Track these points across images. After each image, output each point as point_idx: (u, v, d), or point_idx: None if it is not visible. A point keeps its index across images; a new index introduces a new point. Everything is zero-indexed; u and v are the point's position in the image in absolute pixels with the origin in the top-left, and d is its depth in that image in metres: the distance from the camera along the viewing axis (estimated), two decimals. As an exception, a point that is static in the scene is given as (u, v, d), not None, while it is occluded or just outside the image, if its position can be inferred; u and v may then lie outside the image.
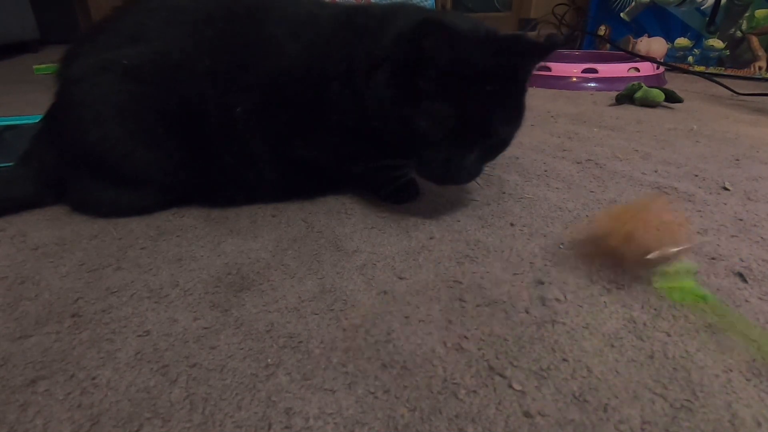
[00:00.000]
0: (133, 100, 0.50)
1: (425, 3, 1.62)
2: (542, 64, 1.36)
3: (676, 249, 0.39)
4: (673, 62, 1.60)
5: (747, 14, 1.48)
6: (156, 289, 0.41)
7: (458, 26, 0.44)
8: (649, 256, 0.39)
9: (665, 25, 1.69)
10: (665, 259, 0.40)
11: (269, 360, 0.33)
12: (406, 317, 0.37)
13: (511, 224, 0.53)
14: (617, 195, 0.60)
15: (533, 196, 0.60)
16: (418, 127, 0.46)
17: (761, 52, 1.48)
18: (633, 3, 1.77)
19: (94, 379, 0.31)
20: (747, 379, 0.31)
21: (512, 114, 0.49)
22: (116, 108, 0.50)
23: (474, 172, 0.50)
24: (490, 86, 0.45)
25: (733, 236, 0.50)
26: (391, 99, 0.47)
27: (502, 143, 0.51)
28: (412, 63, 0.45)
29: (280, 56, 0.52)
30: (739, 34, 1.51)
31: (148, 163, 0.52)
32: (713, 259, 0.46)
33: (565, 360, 0.33)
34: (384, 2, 0.55)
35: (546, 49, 0.47)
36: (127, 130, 0.51)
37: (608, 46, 1.83)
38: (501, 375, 0.32)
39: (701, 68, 1.58)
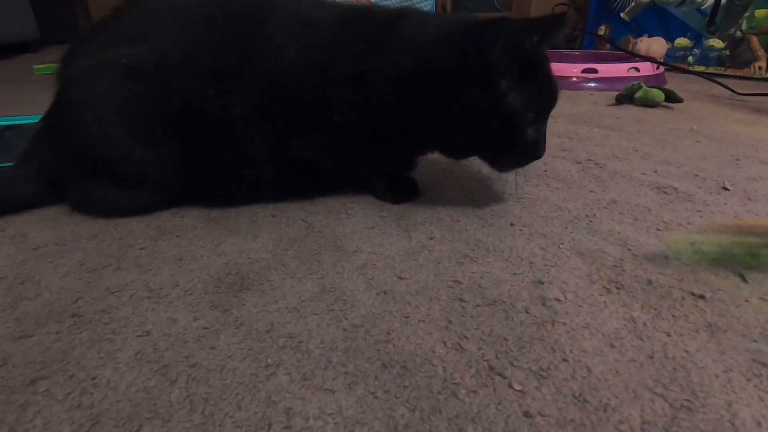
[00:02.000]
0: (133, 100, 0.50)
1: (425, 4, 1.62)
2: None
3: None
4: (673, 62, 1.61)
5: (747, 14, 1.48)
6: (156, 289, 0.41)
7: (504, 19, 0.49)
8: None
9: (665, 25, 1.69)
10: None
11: (269, 360, 0.33)
12: (406, 317, 0.37)
13: (511, 224, 0.53)
14: (617, 195, 0.60)
15: (533, 196, 0.60)
16: (514, 118, 0.49)
17: (761, 52, 1.48)
18: (633, 3, 1.77)
19: (94, 379, 0.31)
20: (747, 379, 0.31)
21: (555, 77, 0.53)
22: (116, 107, 0.50)
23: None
24: (544, 61, 0.50)
25: (733, 236, 0.50)
26: (478, 102, 0.49)
27: (554, 105, 0.55)
28: (497, 69, 0.48)
29: (280, 56, 0.52)
30: (739, 34, 1.51)
31: (147, 162, 0.52)
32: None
33: (565, 360, 0.33)
34: (381, 4, 0.55)
35: (559, 21, 0.49)
36: (127, 129, 0.51)
37: (608, 46, 1.83)
38: (501, 375, 0.32)
39: (701, 68, 1.58)
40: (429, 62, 0.49)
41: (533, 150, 0.52)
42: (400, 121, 0.52)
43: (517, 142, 0.51)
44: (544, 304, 0.39)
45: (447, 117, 0.50)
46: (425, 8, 1.62)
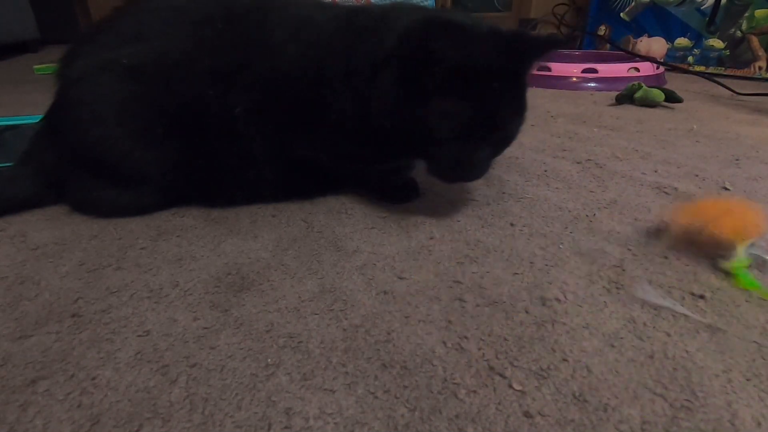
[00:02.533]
0: (132, 100, 0.51)
1: (425, 2, 1.62)
2: (542, 64, 1.36)
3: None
4: (673, 62, 1.61)
5: (747, 14, 1.48)
6: (156, 289, 0.41)
7: (463, 24, 0.45)
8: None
9: (665, 25, 1.69)
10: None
11: (269, 360, 0.33)
12: (406, 317, 0.37)
13: (511, 224, 0.53)
14: (617, 195, 0.60)
15: (533, 196, 0.60)
16: (428, 126, 0.46)
17: (761, 52, 1.48)
18: (633, 3, 1.77)
19: (94, 379, 0.31)
20: (747, 379, 0.31)
21: (518, 109, 0.49)
22: (115, 107, 0.50)
23: (484, 169, 0.50)
24: (496, 82, 0.45)
25: (733, 236, 0.50)
26: (400, 98, 0.47)
27: (509, 138, 0.51)
28: (419, 63, 0.45)
29: (279, 56, 0.52)
30: (739, 34, 1.51)
31: (146, 162, 0.52)
32: (713, 258, 0.45)
33: (565, 360, 0.33)
34: (383, 2, 0.54)
35: (548, 45, 0.47)
36: (126, 129, 0.51)
37: (608, 46, 1.83)
38: (501, 375, 0.32)
39: (701, 68, 1.58)
40: (411, 56, 0.46)
41: (455, 168, 0.48)
42: (375, 125, 0.50)
43: (437, 152, 0.48)
44: (544, 304, 0.39)
45: (392, 117, 0.48)
46: (427, 3, 1.62)
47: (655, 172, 0.69)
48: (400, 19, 0.50)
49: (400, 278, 0.43)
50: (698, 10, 1.59)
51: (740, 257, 0.41)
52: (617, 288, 0.41)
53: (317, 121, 0.53)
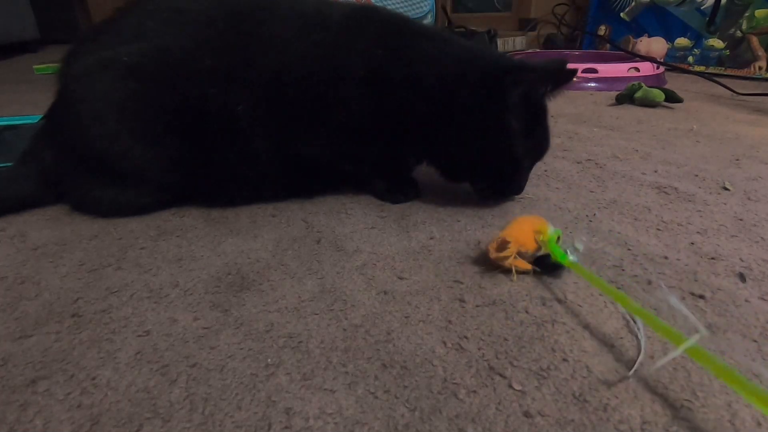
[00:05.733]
0: (133, 98, 0.50)
1: (425, 4, 1.62)
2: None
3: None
4: (673, 62, 1.61)
5: (747, 14, 1.48)
6: (156, 289, 0.41)
7: (526, 69, 0.51)
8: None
9: (665, 25, 1.69)
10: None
11: (269, 360, 0.33)
12: (406, 317, 0.37)
13: (511, 224, 0.53)
14: (617, 195, 0.60)
15: (533, 196, 0.60)
16: (517, 159, 0.53)
17: (761, 52, 1.48)
18: (633, 3, 1.77)
19: (94, 379, 0.31)
20: (747, 379, 0.31)
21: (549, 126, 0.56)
22: (115, 105, 0.50)
23: None
24: (544, 110, 0.54)
25: (733, 236, 0.50)
26: (485, 134, 0.52)
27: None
28: (513, 107, 0.50)
29: (285, 55, 0.52)
30: (739, 34, 1.51)
31: (146, 161, 0.52)
32: (713, 259, 0.46)
33: (565, 360, 0.33)
34: (380, 5, 0.56)
35: (568, 73, 0.52)
36: (126, 127, 0.51)
37: (608, 46, 1.83)
38: (501, 375, 0.32)
39: (701, 68, 1.58)
40: (451, 88, 0.51)
41: (516, 188, 0.56)
42: (407, 128, 0.54)
43: (511, 180, 0.55)
44: (544, 304, 0.39)
45: (454, 140, 0.53)
46: (425, 8, 1.62)
47: (655, 172, 0.69)
48: (435, 45, 0.54)
49: (400, 278, 0.43)
50: (698, 10, 1.59)
51: (550, 233, 0.42)
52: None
53: (327, 118, 0.53)
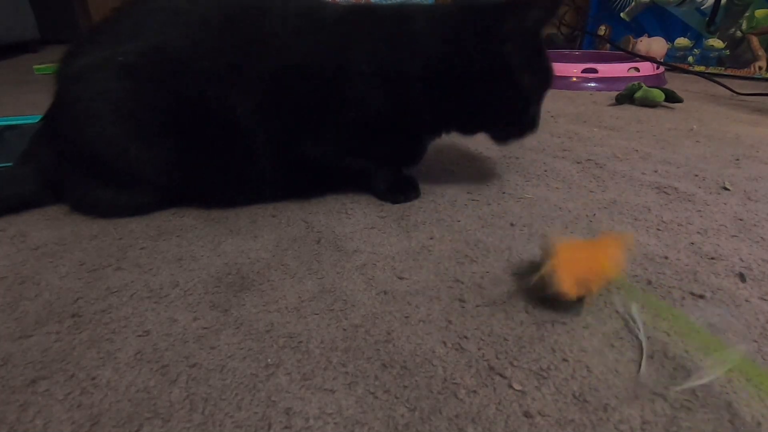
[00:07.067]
0: (130, 98, 0.50)
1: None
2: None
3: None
4: (673, 62, 1.61)
5: (747, 14, 1.48)
6: (156, 289, 0.41)
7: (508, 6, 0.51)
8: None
9: (665, 25, 1.69)
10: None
11: (269, 360, 0.33)
12: (406, 317, 0.37)
13: (511, 224, 0.53)
14: (617, 195, 0.60)
15: (533, 196, 0.60)
16: (518, 96, 0.54)
17: (761, 52, 1.48)
18: (633, 3, 1.77)
19: (94, 379, 0.31)
20: (747, 379, 0.31)
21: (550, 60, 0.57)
22: (112, 105, 0.50)
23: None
24: (540, 43, 0.55)
25: (733, 236, 0.50)
26: (492, 76, 0.53)
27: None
28: (513, 38, 0.51)
29: (285, 54, 0.52)
30: (739, 34, 1.51)
31: (143, 161, 0.52)
32: (713, 259, 0.46)
33: (565, 360, 0.33)
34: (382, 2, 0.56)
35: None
36: (123, 127, 0.51)
37: (608, 46, 1.83)
38: (501, 375, 0.32)
39: (701, 68, 1.58)
40: (453, 53, 0.52)
41: (531, 124, 0.58)
42: (419, 110, 0.55)
43: (522, 118, 0.57)
44: (544, 304, 0.39)
45: (465, 100, 0.54)
46: (426, 1, 1.62)
47: (655, 172, 0.69)
48: (425, 22, 0.54)
49: (400, 278, 0.43)
50: (698, 10, 1.59)
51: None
52: (617, 288, 0.41)
53: (332, 117, 0.53)
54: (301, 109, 0.53)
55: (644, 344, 0.34)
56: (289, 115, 0.53)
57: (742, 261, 0.45)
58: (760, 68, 1.49)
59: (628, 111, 1.07)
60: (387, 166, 0.60)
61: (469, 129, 0.60)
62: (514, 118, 0.57)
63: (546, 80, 0.57)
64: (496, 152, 0.75)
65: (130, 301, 0.40)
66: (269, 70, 0.52)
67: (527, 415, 0.29)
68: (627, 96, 1.12)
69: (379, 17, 0.55)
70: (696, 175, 0.67)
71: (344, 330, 0.36)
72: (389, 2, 0.59)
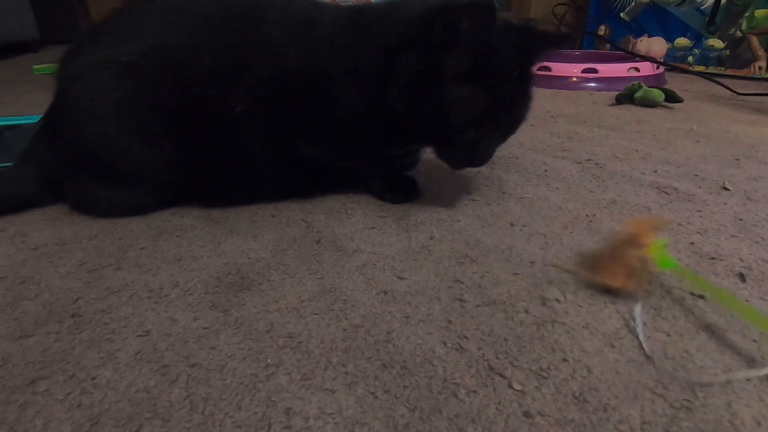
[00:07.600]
0: (130, 97, 0.50)
1: None
2: (542, 63, 1.36)
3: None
4: (673, 62, 1.61)
5: (747, 14, 1.48)
6: (156, 289, 0.41)
7: (493, 9, 0.45)
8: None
9: (665, 25, 1.69)
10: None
11: (269, 360, 0.33)
12: (406, 317, 0.37)
13: (511, 224, 0.53)
14: (617, 195, 0.60)
15: (533, 196, 0.60)
16: (446, 110, 0.47)
17: (761, 52, 1.48)
18: (633, 3, 1.77)
19: (94, 379, 0.31)
20: (747, 379, 0.31)
21: (528, 99, 0.51)
22: (112, 105, 0.50)
23: (491, 155, 0.52)
24: (514, 71, 0.47)
25: (733, 236, 0.50)
26: (421, 81, 0.47)
27: (516, 126, 0.52)
28: (443, 45, 0.45)
29: (280, 56, 0.52)
30: (739, 34, 1.51)
31: (143, 160, 0.52)
32: (713, 259, 0.46)
33: (565, 360, 0.33)
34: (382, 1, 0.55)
35: (558, 40, 0.50)
36: (123, 127, 0.51)
37: (608, 46, 1.83)
38: (501, 375, 0.32)
39: (701, 68, 1.58)
40: (436, 38, 0.46)
41: (468, 154, 0.50)
42: (383, 113, 0.50)
43: (451, 138, 0.49)
44: (544, 304, 0.39)
45: (406, 103, 0.48)
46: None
47: (655, 172, 0.69)
48: (414, 6, 0.50)
49: (400, 278, 0.43)
50: (698, 10, 1.59)
51: (656, 243, 0.40)
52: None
53: (321, 118, 0.53)
54: (294, 110, 0.53)
55: (644, 345, 0.34)
56: (283, 116, 0.53)
57: (742, 261, 0.45)
58: (760, 68, 1.49)
59: (628, 111, 1.07)
60: (382, 167, 0.60)
61: (415, 140, 0.54)
62: (442, 134, 0.49)
63: (504, 113, 0.49)
64: (496, 152, 0.75)
65: (130, 301, 0.40)
66: (268, 71, 0.52)
67: (527, 415, 0.29)
68: (627, 96, 1.12)
69: (363, 17, 0.54)
70: (696, 175, 0.67)
71: (344, 330, 0.36)
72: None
